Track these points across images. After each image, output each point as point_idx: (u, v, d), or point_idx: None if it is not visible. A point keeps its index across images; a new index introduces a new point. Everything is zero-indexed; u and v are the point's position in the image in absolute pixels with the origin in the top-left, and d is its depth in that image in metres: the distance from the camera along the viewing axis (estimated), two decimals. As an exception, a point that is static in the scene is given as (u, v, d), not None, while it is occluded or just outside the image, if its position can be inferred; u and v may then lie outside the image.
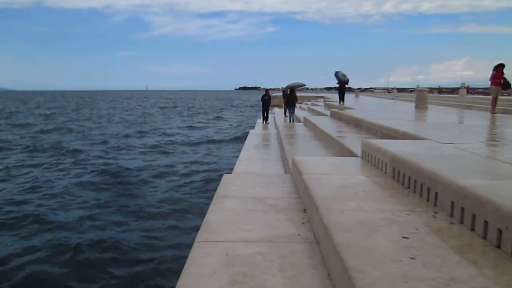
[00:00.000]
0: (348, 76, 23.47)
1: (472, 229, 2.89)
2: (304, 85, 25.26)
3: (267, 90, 22.33)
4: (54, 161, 18.36)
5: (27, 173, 15.85)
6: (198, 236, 3.59)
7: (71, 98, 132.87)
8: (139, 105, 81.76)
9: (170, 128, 34.35)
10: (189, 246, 3.45)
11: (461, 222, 3.05)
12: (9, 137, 26.91)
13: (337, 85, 23.58)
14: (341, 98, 22.79)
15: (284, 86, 24.07)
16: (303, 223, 3.95)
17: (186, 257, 3.22)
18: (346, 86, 23.98)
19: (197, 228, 3.90)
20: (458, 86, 39.58)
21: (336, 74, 23.25)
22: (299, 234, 3.66)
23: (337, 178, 4.68)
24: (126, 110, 63.63)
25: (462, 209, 3.05)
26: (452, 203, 3.20)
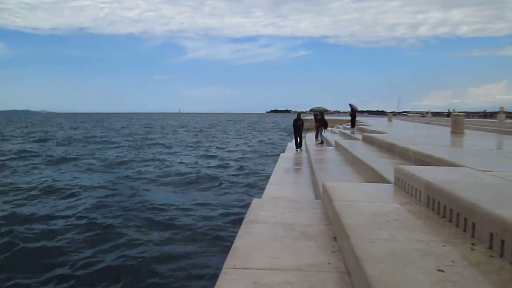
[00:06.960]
0: (357, 106, 34.66)
1: (513, 264, 2.74)
2: (326, 110, 26.08)
3: (299, 114, 20.74)
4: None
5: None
6: (226, 262, 3.56)
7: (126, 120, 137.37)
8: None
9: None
10: (218, 269, 3.43)
11: (501, 255, 2.89)
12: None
13: (350, 113, 33.09)
14: (353, 124, 30.81)
15: (313, 110, 25.50)
16: (334, 252, 3.86)
17: (213, 283, 3.20)
18: (357, 113, 34.30)
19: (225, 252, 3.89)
20: (497, 110, 38.26)
21: (350, 105, 33.04)
22: (329, 263, 3.57)
23: (368, 205, 4.56)
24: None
25: (502, 242, 2.90)
26: (491, 235, 3.05)
